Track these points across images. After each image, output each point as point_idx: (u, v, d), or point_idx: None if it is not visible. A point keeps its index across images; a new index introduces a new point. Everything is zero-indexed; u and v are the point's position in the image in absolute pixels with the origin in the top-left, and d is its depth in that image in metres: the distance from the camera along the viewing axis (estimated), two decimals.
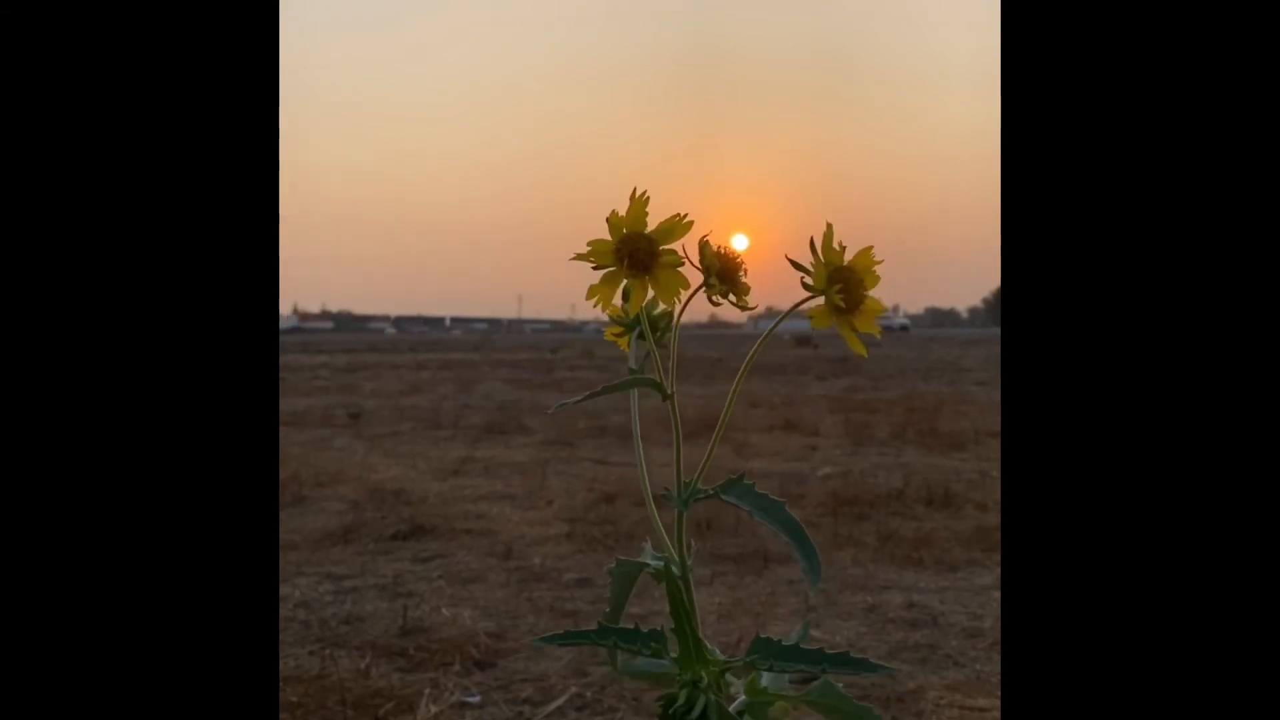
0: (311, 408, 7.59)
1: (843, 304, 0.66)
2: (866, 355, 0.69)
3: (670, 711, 0.63)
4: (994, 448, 4.95)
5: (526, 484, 4.04)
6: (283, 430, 5.94)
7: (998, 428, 5.61)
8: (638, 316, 0.75)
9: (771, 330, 0.70)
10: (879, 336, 0.69)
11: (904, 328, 61.72)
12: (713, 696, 0.64)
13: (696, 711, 0.63)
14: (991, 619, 2.22)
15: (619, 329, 0.77)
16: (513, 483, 4.09)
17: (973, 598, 2.39)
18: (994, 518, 3.24)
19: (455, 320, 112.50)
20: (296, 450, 5.09)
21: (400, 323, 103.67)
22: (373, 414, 7.14)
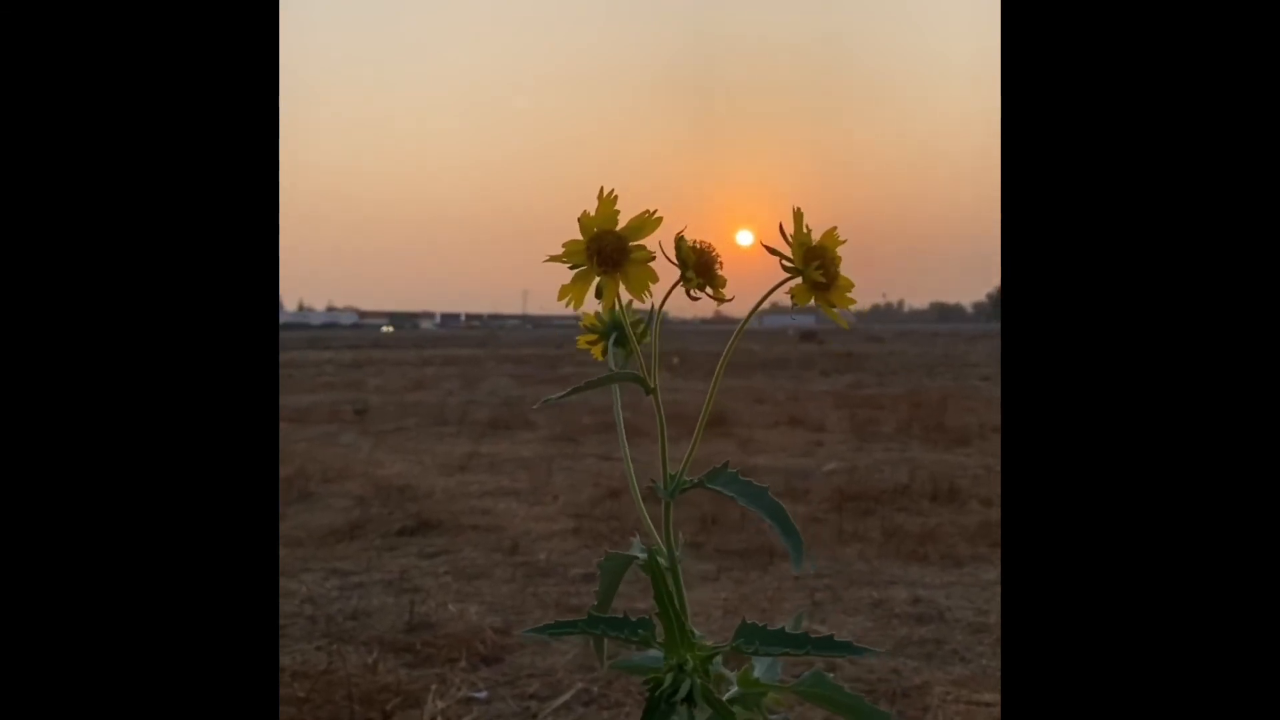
0: (317, 404, 7.61)
1: (823, 279, 0.68)
2: (848, 328, 0.72)
3: (656, 694, 0.64)
4: (999, 443, 4.94)
5: (532, 479, 4.05)
6: (288, 426, 5.96)
7: None
8: (610, 323, 0.76)
9: (753, 311, 0.72)
10: (852, 310, 0.72)
11: None
12: (698, 680, 0.64)
13: (682, 693, 0.64)
14: (997, 614, 2.22)
15: (592, 336, 0.78)
16: (518, 478, 4.10)
17: (978, 593, 2.39)
18: (999, 513, 3.23)
19: (493, 316, 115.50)
20: (302, 446, 5.10)
21: (447, 319, 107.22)
22: (378, 410, 7.15)
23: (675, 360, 12.11)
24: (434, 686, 1.81)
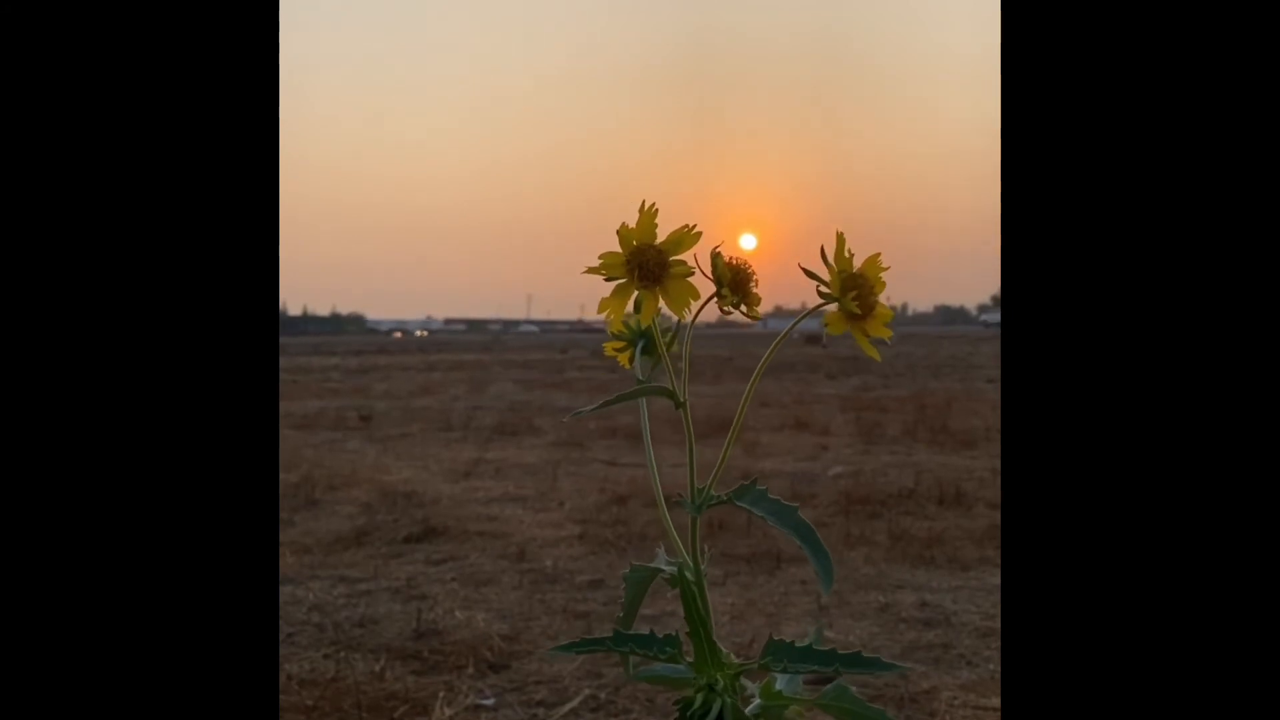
0: (323, 410, 7.61)
1: (858, 310, 0.67)
2: (880, 360, 0.70)
3: (688, 715, 0.64)
4: None
5: (538, 485, 4.05)
6: (295, 433, 5.96)
7: None
8: (638, 331, 0.76)
9: (786, 333, 0.72)
10: (890, 340, 0.70)
11: None
12: (728, 699, 0.64)
13: (713, 714, 0.64)
14: None
15: (620, 344, 0.77)
16: (524, 484, 4.10)
17: (985, 597, 2.39)
18: None
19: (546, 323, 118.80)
20: (309, 453, 5.11)
21: (509, 325, 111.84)
22: (384, 416, 7.16)
23: (682, 365, 12.07)
24: (441, 694, 1.81)
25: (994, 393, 8.41)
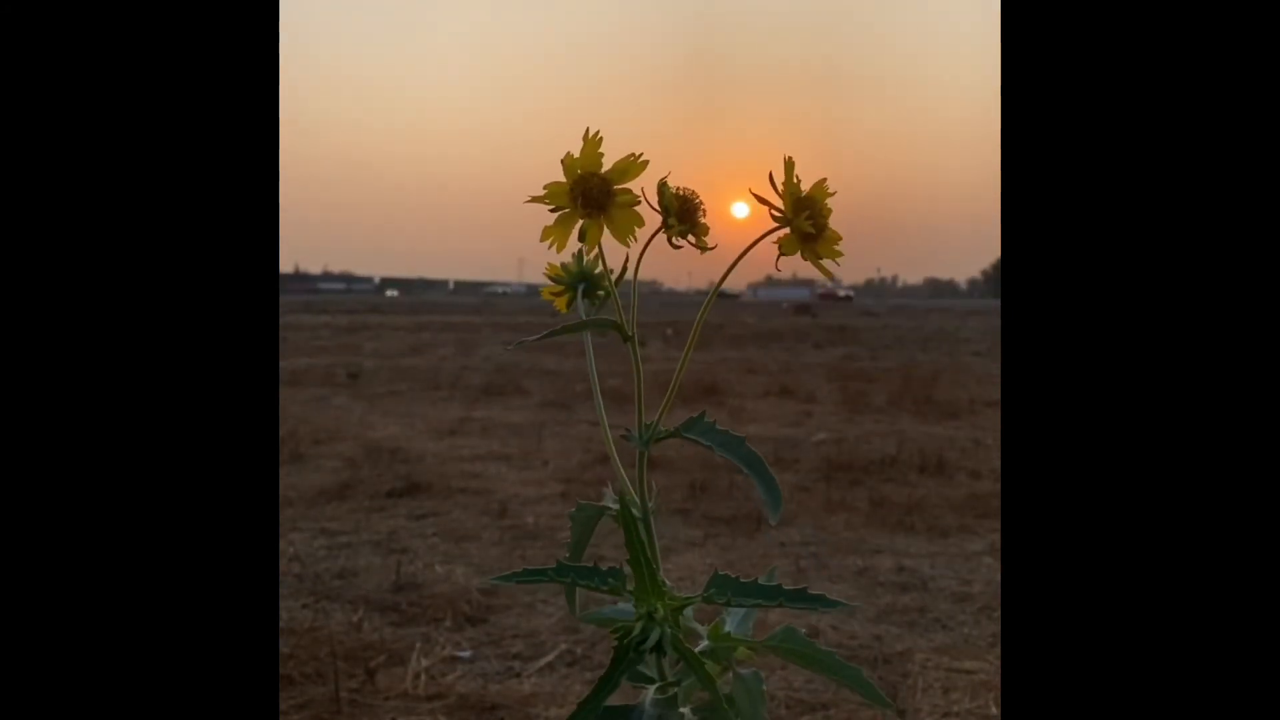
0: (312, 366, 7.60)
1: (812, 229, 0.67)
2: (832, 278, 0.70)
3: (625, 642, 0.64)
4: (989, 417, 4.95)
5: (523, 444, 4.06)
6: (282, 389, 5.94)
7: (993, 397, 5.62)
8: (577, 274, 0.75)
9: (730, 268, 0.72)
10: (839, 261, 0.70)
11: (847, 298, 64.33)
12: (668, 629, 0.64)
13: (651, 642, 0.63)
14: (981, 584, 2.24)
15: (558, 288, 0.76)
16: (509, 443, 4.10)
17: (963, 563, 2.41)
18: (986, 485, 3.25)
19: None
20: (295, 408, 5.10)
21: None
22: (372, 374, 7.15)
23: (669, 331, 12.10)
24: (418, 645, 1.82)
25: (980, 365, 8.44)
